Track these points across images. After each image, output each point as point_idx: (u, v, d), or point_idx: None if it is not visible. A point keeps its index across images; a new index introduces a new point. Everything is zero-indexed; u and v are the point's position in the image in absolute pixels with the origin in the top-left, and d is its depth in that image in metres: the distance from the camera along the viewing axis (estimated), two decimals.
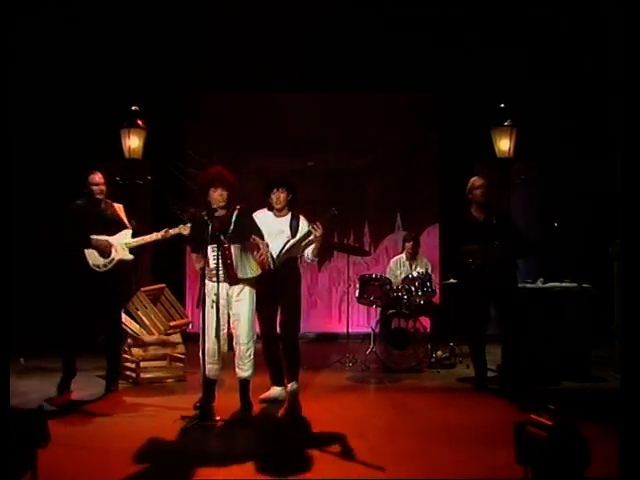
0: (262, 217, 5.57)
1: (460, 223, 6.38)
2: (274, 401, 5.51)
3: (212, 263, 4.99)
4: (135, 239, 5.93)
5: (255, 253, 4.99)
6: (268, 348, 5.61)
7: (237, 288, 5.09)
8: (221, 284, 4.97)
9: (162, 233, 5.91)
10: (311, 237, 5.42)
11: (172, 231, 5.90)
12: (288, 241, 5.51)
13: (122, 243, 5.86)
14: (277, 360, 5.63)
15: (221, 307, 4.99)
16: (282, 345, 5.61)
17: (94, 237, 5.78)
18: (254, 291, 5.17)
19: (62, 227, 5.85)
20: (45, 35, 8.17)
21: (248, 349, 5.10)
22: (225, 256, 4.95)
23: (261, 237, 5.16)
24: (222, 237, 4.97)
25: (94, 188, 5.85)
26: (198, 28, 8.81)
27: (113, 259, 5.81)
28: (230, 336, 5.24)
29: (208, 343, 5.00)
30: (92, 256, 5.78)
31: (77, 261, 5.74)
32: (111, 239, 5.83)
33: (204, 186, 5.15)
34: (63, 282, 5.99)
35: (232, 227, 5.07)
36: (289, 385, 5.61)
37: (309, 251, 5.53)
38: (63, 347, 5.91)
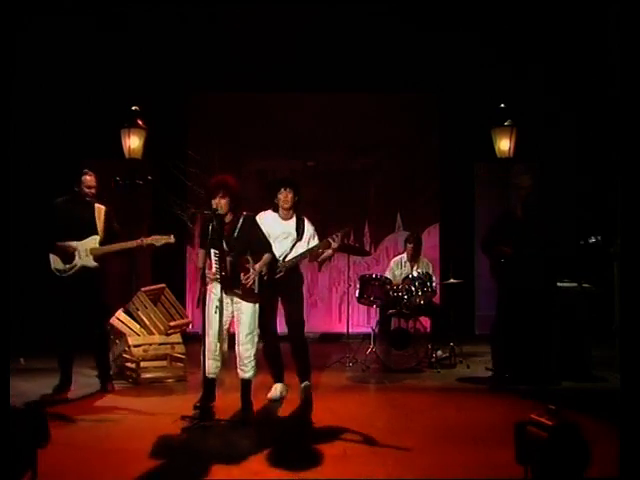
0: (267, 219, 5.57)
1: (499, 217, 6.40)
2: (280, 399, 5.57)
3: (214, 267, 5.02)
4: (102, 247, 5.79)
5: (242, 275, 4.97)
6: (268, 346, 5.63)
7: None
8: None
9: (137, 242, 5.82)
10: (328, 248, 5.51)
11: (147, 240, 5.80)
12: (294, 244, 5.55)
13: (87, 249, 5.74)
14: (277, 357, 5.67)
15: (224, 306, 5.01)
16: (292, 346, 5.64)
17: (60, 243, 5.70)
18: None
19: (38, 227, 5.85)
20: (46, 35, 8.17)
21: (248, 350, 5.08)
22: (221, 266, 4.97)
23: (266, 245, 5.16)
24: (224, 244, 4.99)
25: (86, 190, 5.80)
26: (199, 28, 8.82)
27: (75, 265, 5.70)
28: (232, 335, 5.24)
29: (209, 339, 5.02)
30: (55, 260, 5.72)
31: (41, 263, 5.71)
32: (76, 244, 5.72)
33: (209, 194, 5.14)
34: (41, 286, 5.96)
35: (236, 233, 5.05)
36: (302, 384, 5.62)
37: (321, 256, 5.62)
38: (57, 351, 5.92)
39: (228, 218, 5.10)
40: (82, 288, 5.73)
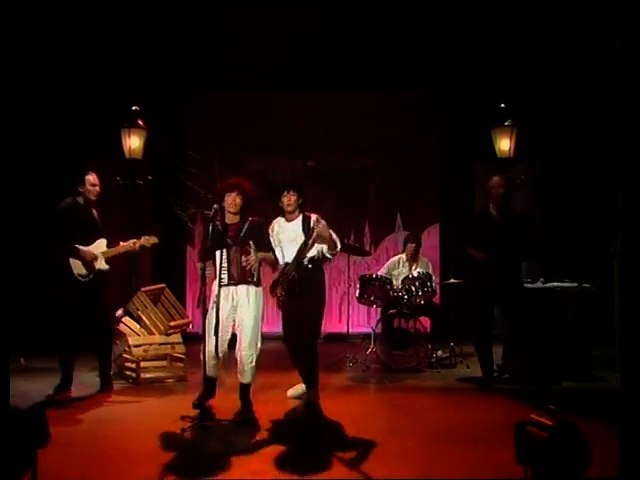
0: (277, 225, 5.62)
1: (475, 219, 6.41)
2: (298, 397, 5.63)
3: (219, 268, 5.01)
4: (110, 249, 5.88)
5: (243, 257, 5.00)
6: (293, 351, 5.63)
7: (243, 294, 5.09)
8: (227, 287, 5.01)
9: (130, 244, 5.91)
10: (315, 233, 5.36)
11: (139, 242, 5.91)
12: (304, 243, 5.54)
13: (100, 253, 5.81)
14: (301, 362, 5.66)
15: (227, 310, 5.02)
16: (299, 348, 5.63)
17: (81, 248, 5.73)
18: (261, 299, 5.17)
19: (52, 230, 5.83)
20: (46, 35, 8.18)
21: (249, 356, 5.06)
22: (230, 259, 5.00)
23: (271, 249, 5.26)
24: (230, 242, 5.03)
25: (91, 189, 5.82)
26: (199, 28, 8.82)
27: (96, 270, 5.79)
28: (234, 337, 5.24)
29: (207, 342, 5.02)
30: (77, 265, 5.73)
31: (61, 268, 5.72)
32: (91, 248, 5.77)
33: (221, 192, 5.18)
34: (52, 289, 5.96)
35: (242, 235, 5.08)
36: (308, 392, 5.64)
37: (324, 248, 5.47)
38: (59, 352, 5.93)
39: (235, 219, 5.14)
40: (96, 291, 5.81)
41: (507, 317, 6.25)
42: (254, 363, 5.09)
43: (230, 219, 5.17)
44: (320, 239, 5.38)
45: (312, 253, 5.47)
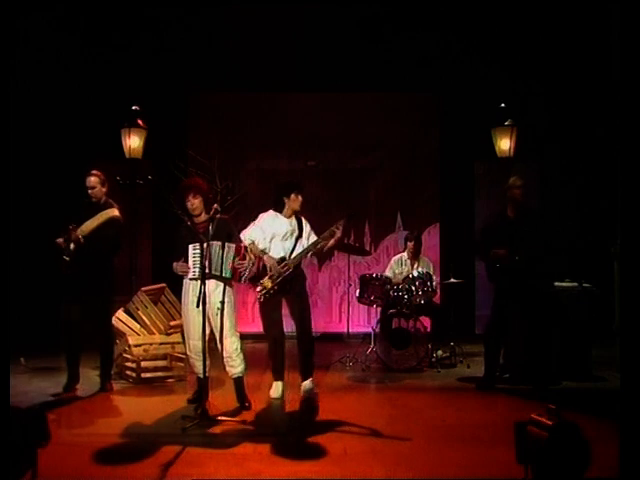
0: (271, 219, 5.67)
1: (491, 219, 6.37)
2: (281, 397, 5.65)
3: (191, 261, 5.06)
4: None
5: (238, 258, 5.06)
6: (274, 346, 5.68)
7: (214, 286, 5.09)
8: (197, 281, 4.99)
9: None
10: (333, 237, 5.55)
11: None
12: (297, 241, 5.62)
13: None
14: (281, 357, 5.71)
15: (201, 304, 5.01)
16: (298, 342, 5.67)
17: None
18: (232, 291, 5.25)
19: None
20: (46, 34, 8.18)
21: (234, 343, 5.14)
22: (204, 252, 5.00)
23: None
24: (202, 237, 5.05)
25: (88, 192, 5.85)
26: (199, 28, 8.83)
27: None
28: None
29: (193, 341, 5.08)
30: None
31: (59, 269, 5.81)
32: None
33: (182, 196, 5.31)
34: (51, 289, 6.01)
35: (212, 233, 5.08)
36: (304, 383, 5.69)
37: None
38: (64, 351, 5.95)
39: (202, 218, 5.22)
40: (93, 291, 5.79)
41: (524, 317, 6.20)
42: (240, 350, 5.16)
43: (197, 219, 5.26)
44: (327, 241, 5.56)
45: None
